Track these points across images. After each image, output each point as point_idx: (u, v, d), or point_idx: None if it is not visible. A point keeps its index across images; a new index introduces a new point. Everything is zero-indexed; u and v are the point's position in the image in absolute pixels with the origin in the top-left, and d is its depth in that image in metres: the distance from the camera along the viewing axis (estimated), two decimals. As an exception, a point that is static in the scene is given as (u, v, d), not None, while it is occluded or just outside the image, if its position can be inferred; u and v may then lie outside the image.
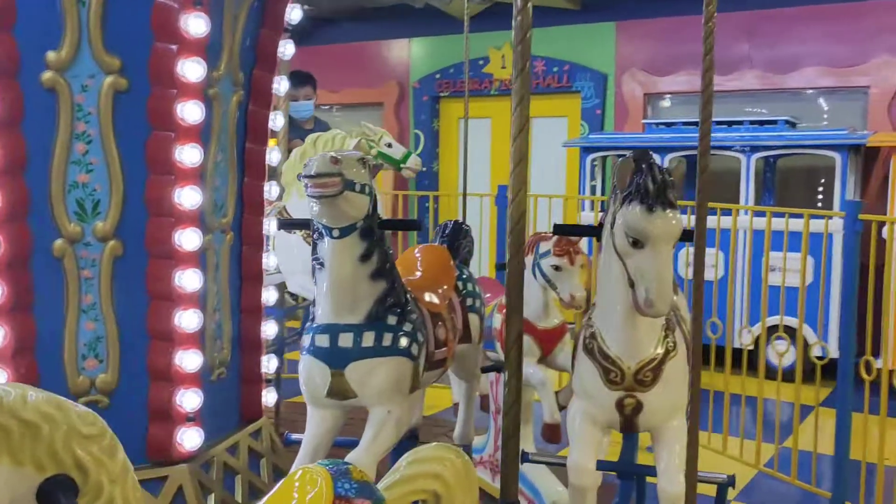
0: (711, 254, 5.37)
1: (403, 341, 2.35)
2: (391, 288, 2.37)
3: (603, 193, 7.72)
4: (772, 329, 5.08)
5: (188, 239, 2.48)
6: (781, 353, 4.51)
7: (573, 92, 8.40)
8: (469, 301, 2.88)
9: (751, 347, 5.30)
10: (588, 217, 7.02)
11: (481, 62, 8.82)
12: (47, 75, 2.34)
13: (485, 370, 3.25)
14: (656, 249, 2.13)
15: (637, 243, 2.15)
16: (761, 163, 7.01)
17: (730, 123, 6.80)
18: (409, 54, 9.34)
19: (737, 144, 6.54)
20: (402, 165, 4.62)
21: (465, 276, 2.94)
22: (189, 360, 2.52)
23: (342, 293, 2.29)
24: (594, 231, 2.44)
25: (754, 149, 6.52)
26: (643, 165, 2.20)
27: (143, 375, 2.52)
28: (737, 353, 5.03)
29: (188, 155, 2.43)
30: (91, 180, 2.41)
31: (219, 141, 2.69)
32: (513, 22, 2.20)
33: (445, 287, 2.75)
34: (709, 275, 5.48)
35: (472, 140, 9.23)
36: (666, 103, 8.17)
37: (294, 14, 2.93)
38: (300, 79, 4.76)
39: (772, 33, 7.46)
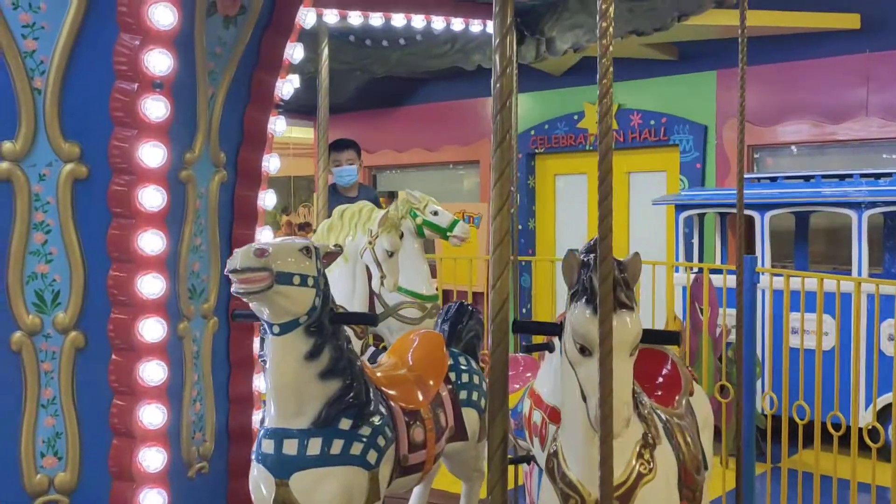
0: (824, 320, 4.84)
1: (357, 448, 2.12)
2: (346, 388, 2.15)
3: (701, 257, 7.23)
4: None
5: (151, 329, 2.35)
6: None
7: (671, 145, 7.97)
8: (463, 394, 2.61)
9: (869, 426, 4.73)
10: (682, 281, 6.55)
11: (576, 117, 8.55)
12: (3, 166, 2.29)
13: (512, 461, 2.96)
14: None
15: (585, 350, 1.84)
16: (879, 220, 6.35)
17: (841, 177, 6.21)
18: (505, 111, 9.17)
19: (845, 200, 5.93)
20: (449, 234, 4.41)
21: (462, 366, 2.68)
22: (152, 458, 2.37)
23: (285, 395, 2.09)
24: (556, 329, 2.09)
25: (866, 205, 5.89)
26: (590, 259, 1.89)
27: (104, 475, 2.39)
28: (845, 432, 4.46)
29: (148, 242, 2.32)
30: (50, 270, 2.34)
31: (196, 224, 2.57)
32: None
33: (433, 381, 2.50)
34: (821, 344, 4.94)
35: (569, 197, 8.97)
36: (771, 156, 7.61)
37: (286, 89, 2.81)
38: (341, 144, 4.67)
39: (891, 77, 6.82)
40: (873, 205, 5.82)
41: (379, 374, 2.42)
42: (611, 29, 1.85)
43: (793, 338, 5.50)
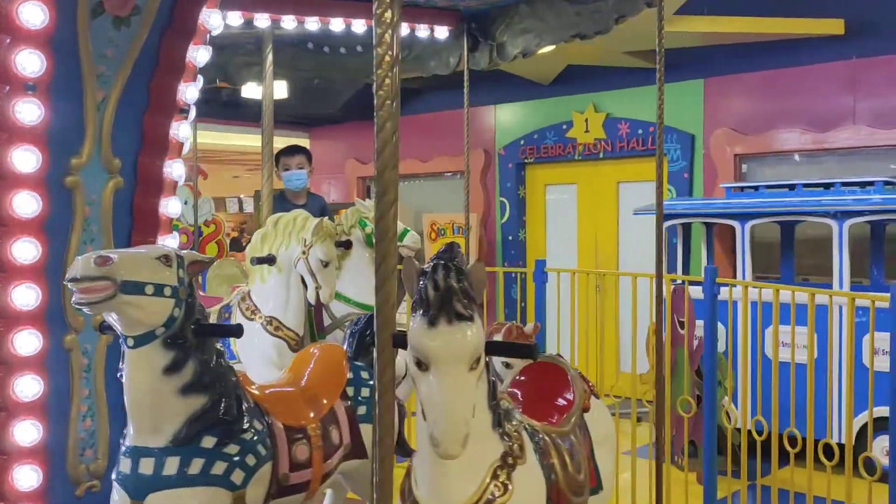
0: (803, 333, 4.68)
1: (219, 468, 2.01)
2: (212, 404, 2.05)
3: (685, 269, 7.07)
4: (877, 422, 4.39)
5: (24, 342, 2.27)
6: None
7: (659, 155, 7.81)
8: (362, 410, 2.50)
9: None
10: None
11: (564, 126, 8.42)
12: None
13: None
14: (440, 373, 1.69)
15: (421, 364, 1.72)
16: (862, 229, 6.16)
17: (825, 186, 6.03)
18: (495, 121, 9.08)
19: (825, 209, 5.76)
20: (399, 244, 4.30)
21: (364, 381, 2.57)
22: (25, 476, 2.28)
23: (142, 411, 1.99)
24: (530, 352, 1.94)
25: (847, 214, 5.71)
26: (428, 267, 1.77)
27: (-22, 492, 2.30)
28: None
29: (21, 250, 2.23)
30: (-78, 279, 2.26)
31: (86, 232, 2.50)
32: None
33: (326, 396, 2.39)
34: (801, 357, 4.78)
35: (558, 207, 8.84)
36: (759, 165, 7.44)
37: (190, 93, 2.72)
38: (292, 149, 4.60)
39: (879, 83, 6.64)
40: (855, 214, 5.64)
41: (265, 391, 2.31)
42: (388, 56, 1.73)
43: (771, 351, 5.36)
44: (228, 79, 4.88)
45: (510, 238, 8.90)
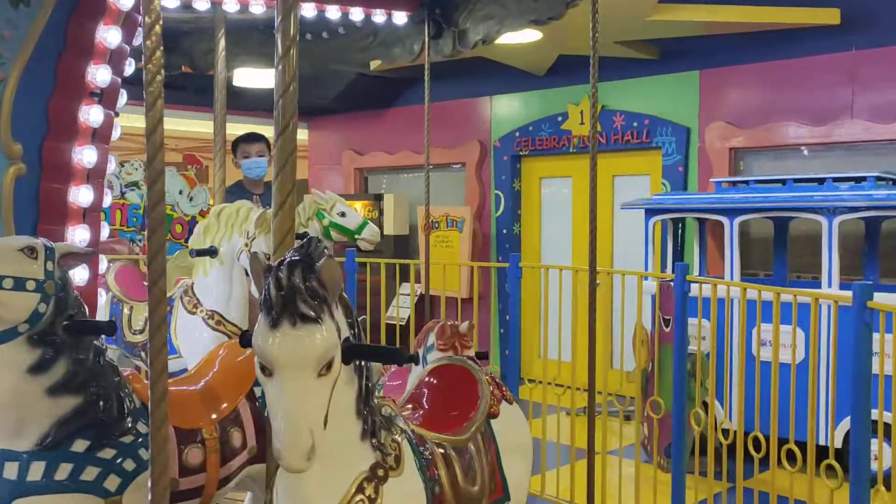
0: (788, 332, 4.50)
1: (90, 473, 1.89)
2: (86, 405, 1.92)
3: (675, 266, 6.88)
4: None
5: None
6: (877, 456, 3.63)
7: (654, 148, 7.63)
8: (269, 411, 2.37)
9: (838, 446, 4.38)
10: (651, 290, 6.20)
11: (560, 118, 8.24)
12: None
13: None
14: (283, 379, 1.55)
15: (265, 369, 1.58)
16: (857, 226, 5.95)
17: (817, 181, 5.82)
18: (491, 112, 8.92)
19: (814, 205, 5.55)
20: (357, 237, 4.17)
21: None
22: None
23: (3, 412, 1.87)
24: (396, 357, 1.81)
25: (837, 210, 5.50)
26: (275, 265, 1.63)
27: None
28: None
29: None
30: None
31: None
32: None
33: (228, 396, 2.27)
34: (785, 357, 4.61)
35: (553, 200, 8.66)
36: (754, 159, 7.22)
37: (101, 75, 2.60)
38: (252, 136, 4.47)
39: (878, 77, 6.40)
40: (845, 210, 5.43)
41: (155, 388, 2.18)
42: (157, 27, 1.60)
43: (762, 351, 5.18)
44: (194, 65, 4.76)
45: (505, 231, 8.74)
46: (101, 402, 1.95)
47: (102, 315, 3.75)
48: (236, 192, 4.35)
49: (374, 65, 7.88)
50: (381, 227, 9.28)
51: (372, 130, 9.94)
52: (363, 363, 1.72)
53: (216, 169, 4.15)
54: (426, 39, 4.06)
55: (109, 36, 2.59)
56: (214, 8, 4.01)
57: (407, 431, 1.87)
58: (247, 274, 3.58)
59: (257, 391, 2.38)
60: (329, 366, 1.57)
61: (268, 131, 10.65)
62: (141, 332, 3.66)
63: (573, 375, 5.17)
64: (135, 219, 7.59)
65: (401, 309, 8.86)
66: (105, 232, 3.10)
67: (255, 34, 4.68)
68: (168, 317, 3.62)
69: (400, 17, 4.12)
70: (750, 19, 6.29)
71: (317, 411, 1.55)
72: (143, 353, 3.68)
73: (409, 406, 2.13)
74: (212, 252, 3.54)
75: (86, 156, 2.62)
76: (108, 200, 3.10)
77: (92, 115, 2.60)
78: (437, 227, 8.93)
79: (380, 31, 4.37)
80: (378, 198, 9.40)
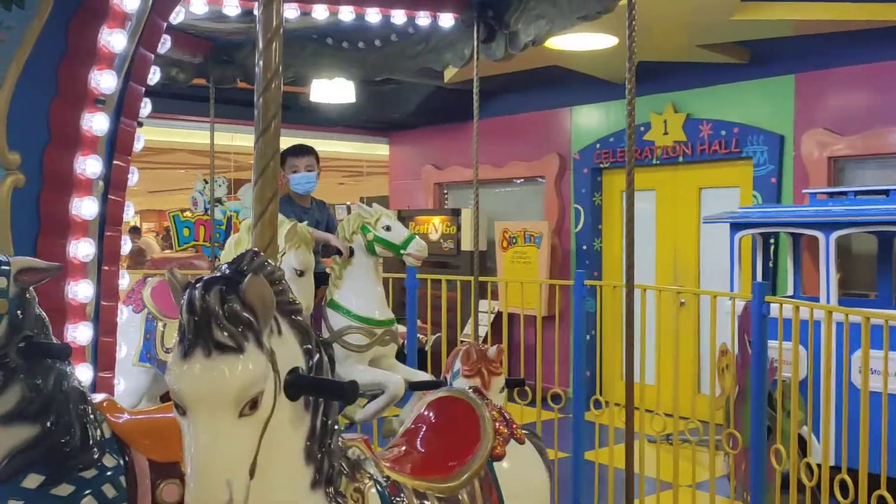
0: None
1: (46, 510, 1.71)
2: (44, 435, 1.75)
3: (773, 285, 6.40)
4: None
5: None
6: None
7: (744, 158, 7.14)
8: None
9: None
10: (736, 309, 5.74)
11: (642, 128, 7.83)
12: None
13: None
14: (195, 420, 1.31)
15: (178, 407, 1.34)
16: None
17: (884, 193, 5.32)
18: (570, 124, 8.59)
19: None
20: (402, 252, 3.94)
21: None
22: None
23: None
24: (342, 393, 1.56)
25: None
26: (191, 286, 1.38)
27: None
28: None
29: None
30: None
31: None
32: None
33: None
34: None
35: (636, 214, 8.20)
36: (856, 167, 6.65)
37: (105, 81, 2.46)
38: (300, 149, 4.29)
39: None
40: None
41: (133, 419, 2.00)
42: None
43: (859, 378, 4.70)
44: (248, 78, 4.66)
45: (584, 247, 8.38)
46: (61, 433, 1.78)
47: (136, 332, 3.65)
48: (284, 205, 4.18)
49: (448, 77, 7.69)
50: (458, 242, 9.05)
51: (451, 144, 9.76)
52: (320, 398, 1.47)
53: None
54: (475, 43, 3.81)
55: (113, 40, 2.44)
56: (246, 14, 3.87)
57: (377, 478, 1.61)
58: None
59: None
60: (254, 404, 1.32)
61: (344, 146, 10.58)
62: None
63: (657, 399, 4.79)
64: (217, 234, 7.60)
65: (479, 327, 8.59)
66: (127, 246, 2.97)
67: (308, 44, 4.54)
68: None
69: (451, 21, 3.89)
70: (847, 17, 5.77)
71: (238, 458, 1.30)
72: None
73: (400, 446, 1.87)
74: (242, 268, 3.38)
75: (89, 166, 2.48)
76: (129, 213, 2.97)
77: (95, 122, 2.46)
78: (515, 242, 8.64)
79: (431, 36, 4.15)
80: (456, 213, 9.19)
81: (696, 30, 6.08)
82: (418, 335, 8.66)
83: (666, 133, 7.62)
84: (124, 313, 3.66)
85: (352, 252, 3.94)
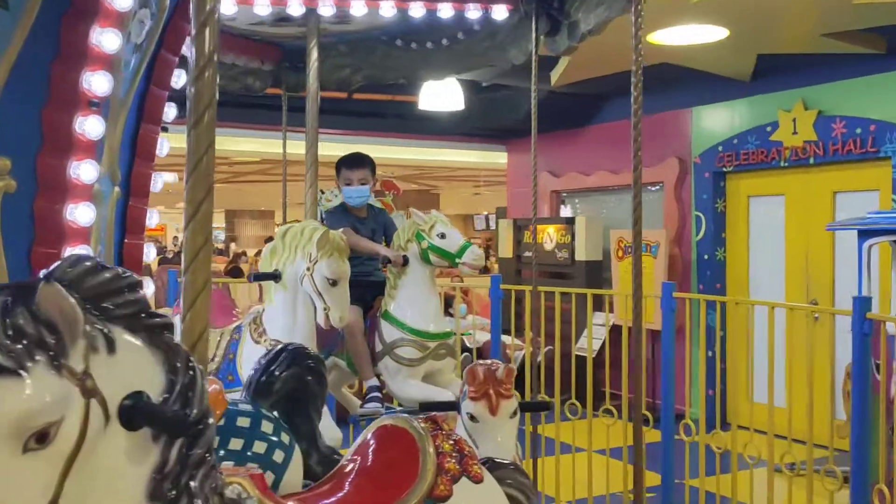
0: None
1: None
2: None
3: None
4: None
5: None
6: None
7: (881, 158, 6.42)
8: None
9: None
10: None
11: (769, 128, 7.24)
12: None
13: None
14: None
15: None
16: None
17: None
18: (691, 125, 8.06)
19: None
20: (457, 261, 3.70)
21: (239, 428, 2.05)
22: None
23: None
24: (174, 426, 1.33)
25: None
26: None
27: None
28: None
29: None
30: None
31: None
32: None
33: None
34: None
35: (763, 221, 7.57)
36: None
37: (98, 83, 2.38)
38: (355, 160, 4.11)
39: None
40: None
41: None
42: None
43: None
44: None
45: (706, 257, 7.82)
46: None
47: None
48: (337, 215, 4.05)
49: (555, 80, 7.39)
50: (572, 252, 8.70)
51: (568, 151, 9.42)
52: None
53: (307, 188, 3.89)
54: (534, 35, 3.54)
55: (105, 39, 2.36)
56: (308, 16, 3.77)
57: None
58: (312, 301, 3.26)
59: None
60: (42, 437, 1.12)
61: (469, 156, 10.44)
62: (212, 360, 3.46)
63: (789, 424, 4.29)
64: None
65: (593, 340, 8.21)
66: (152, 253, 2.91)
67: (379, 46, 4.42)
68: (234, 345, 3.40)
69: (514, 15, 3.65)
70: None
71: (23, 501, 1.10)
72: None
73: (326, 482, 1.64)
74: (275, 276, 3.26)
75: (83, 171, 2.41)
76: (154, 221, 2.91)
77: (89, 126, 2.39)
78: (629, 252, 8.18)
79: (497, 32, 3.92)
80: (570, 221, 8.84)
81: (815, 17, 5.50)
82: (530, 348, 8.41)
83: (795, 132, 6.99)
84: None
85: (406, 261, 3.75)
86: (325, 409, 3.56)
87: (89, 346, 1.17)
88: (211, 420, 1.35)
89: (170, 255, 17.97)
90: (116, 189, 2.73)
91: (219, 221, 27.74)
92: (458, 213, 25.77)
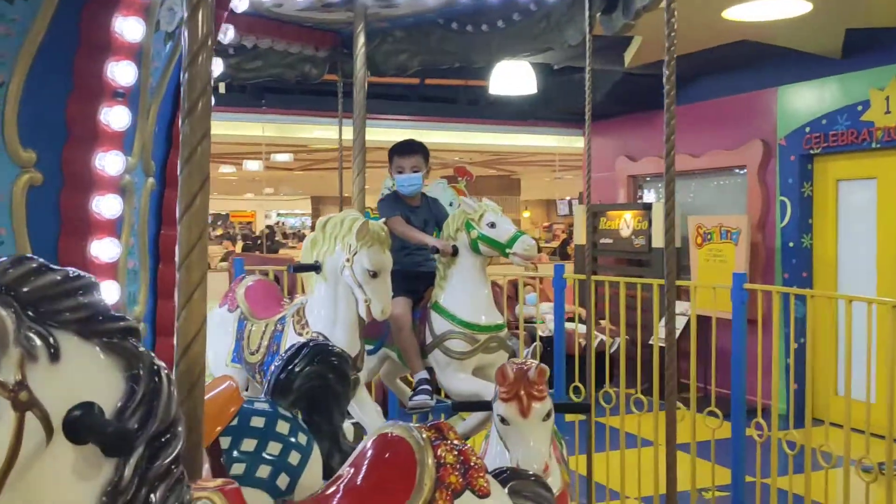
0: None
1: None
2: None
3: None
4: None
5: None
6: None
7: None
8: (237, 469, 1.91)
9: None
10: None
11: (860, 107, 6.81)
12: None
13: None
14: None
15: None
16: None
17: None
18: (776, 106, 7.66)
19: None
20: (508, 251, 3.55)
21: (254, 428, 1.98)
22: None
23: None
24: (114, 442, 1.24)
25: None
26: None
27: None
28: None
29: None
30: None
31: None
32: None
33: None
34: None
35: (853, 206, 7.12)
36: None
37: (122, 72, 2.34)
38: (407, 147, 3.98)
39: None
40: None
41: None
42: None
43: None
44: (376, 70, 4.48)
45: (791, 245, 7.43)
46: None
47: (229, 332, 3.58)
48: (388, 203, 3.95)
49: (628, 60, 7.12)
50: (648, 238, 8.41)
51: (645, 134, 9.11)
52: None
53: (354, 176, 3.80)
54: (587, 13, 3.36)
55: (127, 28, 2.31)
56: (352, 1, 3.67)
57: None
58: (353, 293, 3.17)
59: (224, 442, 1.94)
60: None
61: (547, 140, 10.23)
62: (256, 352, 3.43)
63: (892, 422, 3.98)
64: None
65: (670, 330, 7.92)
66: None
67: (434, 30, 4.29)
68: (278, 337, 3.35)
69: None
70: None
71: None
72: (257, 376, 3.44)
73: (328, 490, 1.54)
74: (315, 268, 3.19)
75: (108, 162, 2.37)
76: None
77: (113, 116, 2.35)
78: (710, 239, 7.86)
79: (552, 12, 3.75)
80: (647, 207, 8.55)
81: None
82: (602, 337, 8.18)
83: (888, 112, 6.55)
84: (218, 312, 3.62)
85: (456, 251, 3.63)
86: (372, 404, 3.51)
87: (25, 354, 1.10)
88: (179, 429, 1.27)
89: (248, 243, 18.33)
90: (151, 180, 2.70)
91: (305, 208, 28.12)
92: (539, 198, 25.41)
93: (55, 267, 1.20)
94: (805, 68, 7.21)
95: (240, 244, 17.80)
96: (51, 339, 1.13)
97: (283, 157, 13.51)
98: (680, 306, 7.61)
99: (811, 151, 7.24)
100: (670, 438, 2.37)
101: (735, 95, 8.03)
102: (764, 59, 7.43)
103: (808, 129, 7.24)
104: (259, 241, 18.80)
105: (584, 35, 3.55)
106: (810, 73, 7.23)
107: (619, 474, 4.78)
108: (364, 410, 3.30)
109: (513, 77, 7.91)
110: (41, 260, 1.20)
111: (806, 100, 7.34)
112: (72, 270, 1.22)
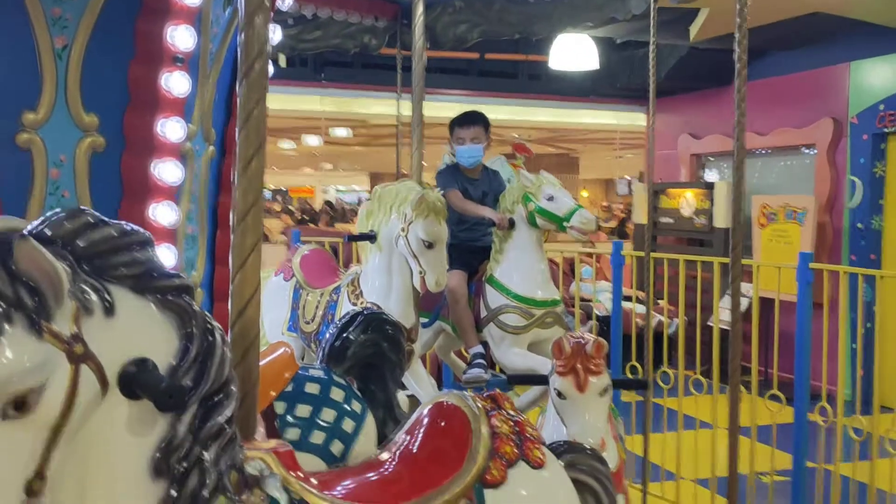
0: None
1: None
2: None
3: None
4: None
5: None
6: None
7: None
8: (292, 434, 1.92)
9: None
10: None
11: (935, 83, 6.51)
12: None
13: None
14: None
15: None
16: None
17: None
18: (849, 82, 7.38)
19: None
20: (565, 224, 3.49)
21: (308, 394, 1.98)
22: None
23: None
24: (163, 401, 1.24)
25: None
26: None
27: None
28: None
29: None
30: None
31: (53, 198, 2.29)
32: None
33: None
34: None
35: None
36: None
37: (181, 38, 2.34)
38: (467, 118, 3.92)
39: None
40: None
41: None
42: None
43: None
44: (436, 42, 4.44)
45: (860, 226, 7.19)
46: None
47: (285, 301, 3.60)
48: (446, 175, 3.91)
49: (694, 34, 6.92)
50: (710, 218, 8.22)
51: (708, 112, 8.88)
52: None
53: (413, 150, 3.76)
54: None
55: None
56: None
57: (279, 502, 1.28)
58: (408, 264, 3.16)
59: (278, 407, 1.94)
60: (20, 404, 1.03)
61: (606, 117, 10.04)
62: (311, 321, 3.44)
63: None
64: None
65: (729, 311, 7.75)
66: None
67: (496, 0, 4.23)
68: (333, 307, 3.36)
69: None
70: None
71: (1, 470, 1.02)
72: (312, 345, 3.45)
73: (369, 462, 1.52)
74: (370, 237, 3.18)
75: (169, 129, 2.38)
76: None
77: (173, 82, 2.36)
78: (775, 219, 7.65)
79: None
80: (709, 186, 8.36)
81: None
82: (661, 318, 8.04)
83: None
84: (273, 281, 3.64)
85: (513, 224, 3.58)
86: (427, 377, 3.50)
87: (80, 307, 1.09)
88: (233, 390, 1.26)
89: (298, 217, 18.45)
90: (211, 148, 2.72)
91: (364, 184, 28.23)
92: (598, 177, 25.05)
93: (111, 221, 1.20)
94: (880, 42, 6.92)
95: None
96: (106, 294, 1.13)
97: (341, 132, 13.57)
98: (741, 288, 7.43)
99: (885, 130, 6.97)
100: (733, 421, 2.30)
101: (805, 71, 7.77)
102: (836, 33, 7.15)
103: (882, 107, 6.97)
104: (317, 218, 18.92)
105: (649, 5, 3.45)
106: (885, 48, 6.94)
107: (675, 455, 4.70)
108: (419, 383, 3.30)
109: (574, 51, 7.76)
110: (97, 214, 1.19)
111: (880, 76, 7.06)
112: (127, 225, 1.22)
